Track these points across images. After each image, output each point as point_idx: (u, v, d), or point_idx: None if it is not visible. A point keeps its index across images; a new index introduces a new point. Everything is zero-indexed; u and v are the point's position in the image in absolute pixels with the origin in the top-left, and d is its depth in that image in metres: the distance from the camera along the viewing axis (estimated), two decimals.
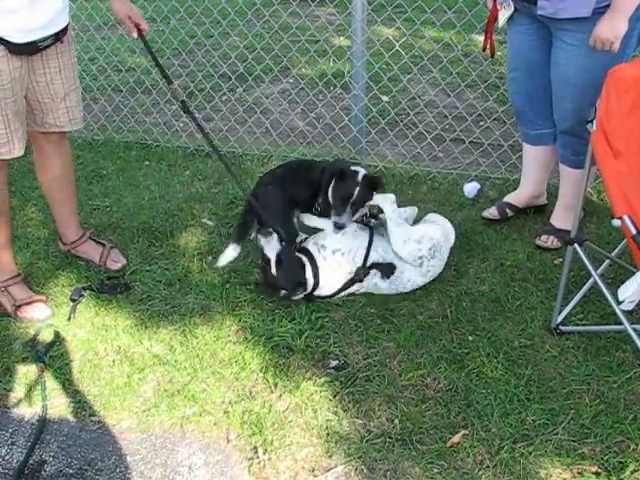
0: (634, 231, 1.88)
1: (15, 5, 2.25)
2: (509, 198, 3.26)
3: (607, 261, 2.56)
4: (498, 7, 2.79)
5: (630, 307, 2.10)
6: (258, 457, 2.11)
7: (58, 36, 2.45)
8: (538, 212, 3.24)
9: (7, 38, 2.28)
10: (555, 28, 2.63)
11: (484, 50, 2.97)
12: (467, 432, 2.14)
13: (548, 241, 3.01)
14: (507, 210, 3.23)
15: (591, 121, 2.14)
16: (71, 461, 2.13)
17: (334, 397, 2.30)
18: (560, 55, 2.65)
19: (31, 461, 2.13)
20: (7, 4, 2.23)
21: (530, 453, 2.07)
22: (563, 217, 3.01)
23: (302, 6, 4.18)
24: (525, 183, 3.23)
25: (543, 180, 3.20)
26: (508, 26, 2.85)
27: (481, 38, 3.01)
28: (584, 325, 2.56)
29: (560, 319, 2.51)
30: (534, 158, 3.12)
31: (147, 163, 3.95)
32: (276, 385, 2.36)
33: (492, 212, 3.25)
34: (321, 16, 4.34)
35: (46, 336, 2.62)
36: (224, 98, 4.50)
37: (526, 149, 3.14)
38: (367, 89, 3.81)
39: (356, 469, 2.05)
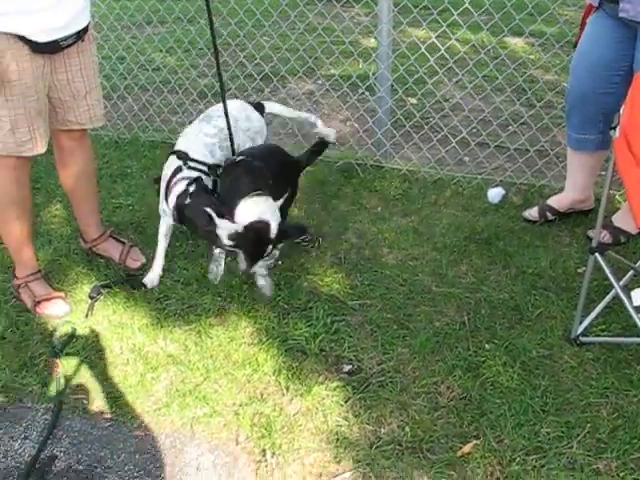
0: None
1: (38, 5, 2.27)
2: (552, 201, 3.21)
3: (631, 271, 2.50)
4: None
5: None
6: (266, 460, 2.10)
7: (79, 35, 2.47)
8: (584, 215, 3.18)
9: (30, 37, 2.30)
10: None
11: (575, 46, 2.90)
12: (479, 442, 2.10)
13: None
14: (548, 213, 3.18)
15: (614, 128, 2.09)
16: (81, 457, 2.14)
17: (345, 402, 2.28)
18: None
19: (42, 456, 2.15)
20: (31, 4, 2.26)
21: (542, 466, 2.02)
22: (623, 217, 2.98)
23: (328, 7, 4.17)
24: (569, 187, 3.17)
25: (587, 185, 3.13)
26: (592, 18, 2.77)
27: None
28: (605, 336, 2.50)
29: (581, 329, 2.45)
30: (577, 162, 3.07)
31: None
32: (288, 388, 2.35)
33: (532, 213, 3.20)
34: (347, 17, 4.32)
35: (63, 332, 2.64)
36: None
37: (569, 152, 3.09)
38: (392, 91, 3.78)
39: (364, 476, 2.03)
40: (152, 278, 2.88)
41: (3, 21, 2.24)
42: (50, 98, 2.53)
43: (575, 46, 2.90)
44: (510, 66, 3.74)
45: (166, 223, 2.87)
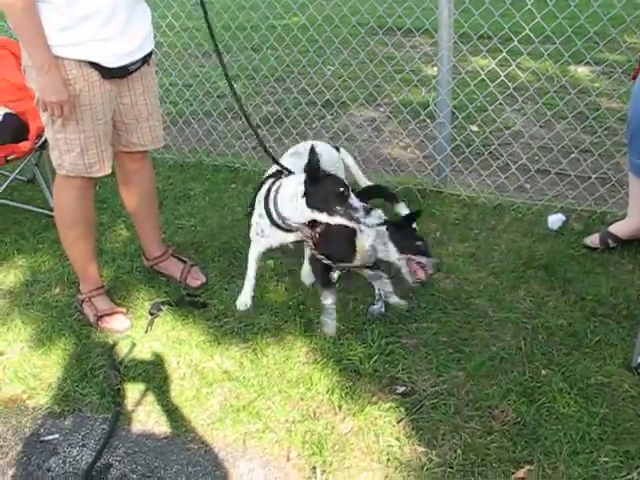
0: None
1: (108, 33, 2.39)
2: (613, 228, 3.14)
3: None
4: None
5: None
6: (316, 477, 2.10)
7: (145, 59, 2.58)
8: None
9: (102, 63, 2.42)
10: None
11: (634, 78, 2.87)
12: (532, 468, 2.06)
13: None
14: (609, 240, 3.12)
15: None
16: (135, 467, 2.19)
17: (398, 423, 2.27)
18: None
19: (99, 463, 2.21)
20: (101, 33, 2.37)
21: None
22: None
23: (389, 36, 4.23)
24: (631, 214, 3.10)
25: None
26: None
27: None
28: None
29: None
30: (639, 188, 3.00)
31: (233, 186, 4.06)
32: (340, 407, 2.36)
33: (593, 240, 3.15)
34: (408, 45, 4.36)
35: (123, 346, 2.72)
36: (314, 125, 4.58)
37: (631, 178, 3.02)
38: (452, 118, 3.79)
39: None
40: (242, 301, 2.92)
41: (76, 50, 2.37)
42: (114, 122, 2.64)
43: (635, 78, 2.85)
44: (572, 93, 3.70)
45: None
